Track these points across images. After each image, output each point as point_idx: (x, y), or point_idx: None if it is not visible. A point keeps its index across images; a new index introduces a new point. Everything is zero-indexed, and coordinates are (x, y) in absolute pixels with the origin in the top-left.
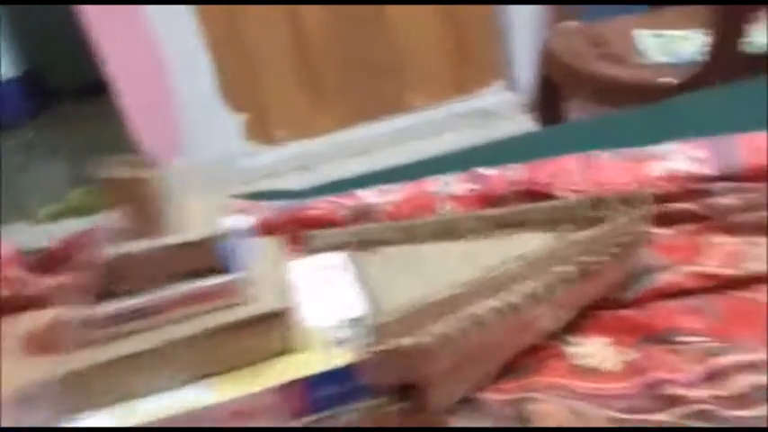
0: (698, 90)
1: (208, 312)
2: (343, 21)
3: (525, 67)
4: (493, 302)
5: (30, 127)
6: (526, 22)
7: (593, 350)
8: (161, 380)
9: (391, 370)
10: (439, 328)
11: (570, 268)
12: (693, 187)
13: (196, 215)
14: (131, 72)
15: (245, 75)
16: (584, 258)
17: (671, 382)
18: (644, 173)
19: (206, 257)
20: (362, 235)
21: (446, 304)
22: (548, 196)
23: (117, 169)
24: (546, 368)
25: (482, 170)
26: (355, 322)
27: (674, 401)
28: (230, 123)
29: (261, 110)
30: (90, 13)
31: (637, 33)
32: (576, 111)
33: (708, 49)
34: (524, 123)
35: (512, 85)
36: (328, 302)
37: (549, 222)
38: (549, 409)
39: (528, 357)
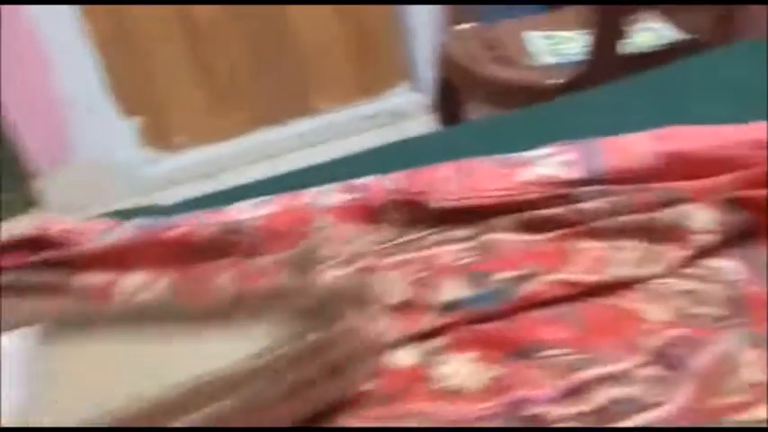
0: (579, 91)
1: None
2: (240, 20)
3: (428, 67)
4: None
5: None
6: (427, 22)
7: (458, 368)
8: None
9: None
10: None
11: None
12: (561, 192)
13: None
14: (12, 73)
15: (138, 77)
16: (278, 379)
17: (533, 401)
18: (516, 179)
19: None
20: (43, 316)
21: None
22: (424, 206)
23: None
24: (408, 394)
25: (360, 180)
26: None
27: (536, 420)
28: (123, 128)
29: (156, 114)
30: None
31: (528, 35)
32: (475, 112)
33: (588, 49)
34: (431, 124)
35: (417, 86)
36: None
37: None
38: None
39: (389, 383)
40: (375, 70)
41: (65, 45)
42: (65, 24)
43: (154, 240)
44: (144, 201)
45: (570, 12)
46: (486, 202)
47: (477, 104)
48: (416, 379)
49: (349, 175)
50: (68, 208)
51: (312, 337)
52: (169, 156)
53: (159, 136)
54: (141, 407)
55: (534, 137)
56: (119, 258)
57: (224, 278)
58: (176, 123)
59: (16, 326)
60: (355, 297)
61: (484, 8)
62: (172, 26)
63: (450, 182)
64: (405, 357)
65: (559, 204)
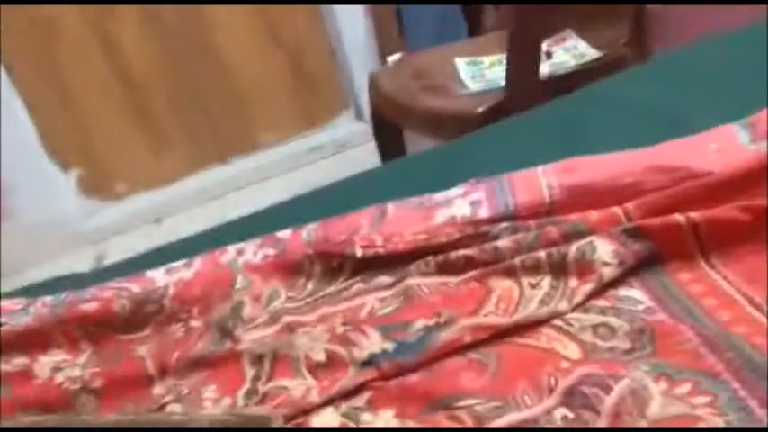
0: (502, 117)
1: None
2: (174, 60)
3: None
4: None
5: None
6: (361, 50)
7: (385, 424)
8: None
9: None
10: None
11: None
12: (474, 232)
13: None
14: None
15: (73, 128)
16: None
17: None
18: (431, 222)
19: None
20: None
21: None
22: (343, 256)
23: None
24: None
25: (279, 233)
26: None
27: None
28: (62, 181)
29: (95, 163)
30: None
31: (457, 62)
32: (414, 141)
33: (508, 74)
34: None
35: (359, 114)
36: None
37: None
38: None
39: None
40: (315, 101)
41: None
42: None
43: (70, 316)
44: (90, 252)
45: (495, 36)
46: (405, 247)
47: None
48: None
49: (271, 227)
50: (12, 267)
51: None
52: (112, 204)
53: (100, 185)
54: None
55: (452, 174)
56: (35, 338)
57: (143, 349)
58: (117, 171)
59: None
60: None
61: (412, 36)
62: (103, 74)
63: (366, 228)
64: (328, 418)
65: (473, 244)
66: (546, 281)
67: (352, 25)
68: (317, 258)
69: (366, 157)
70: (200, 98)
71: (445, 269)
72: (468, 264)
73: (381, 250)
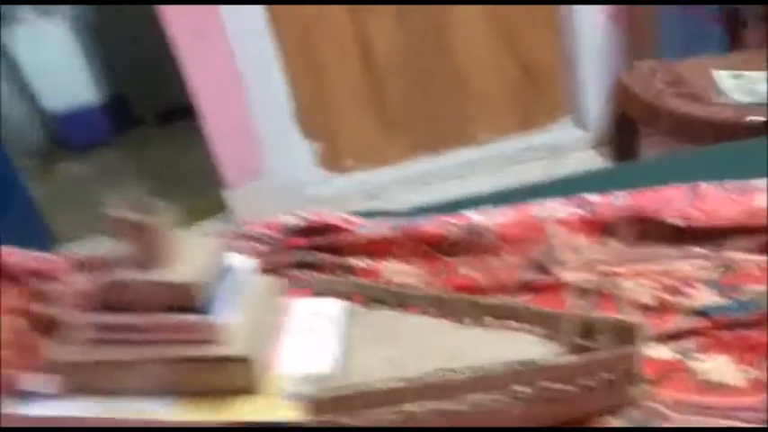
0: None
1: (182, 344)
2: (412, 48)
3: (594, 102)
4: (433, 405)
5: (114, 147)
6: (596, 56)
7: (717, 366)
8: (133, 386)
9: None
10: (372, 414)
11: (528, 391)
12: None
13: (195, 256)
14: (214, 99)
15: (320, 104)
16: (547, 385)
17: None
18: (752, 205)
19: (186, 296)
20: (364, 289)
21: (386, 395)
22: (658, 223)
23: (127, 211)
24: (669, 381)
25: (587, 196)
26: (312, 380)
27: None
28: (305, 151)
29: (332, 138)
30: (177, 41)
31: (716, 74)
32: (651, 147)
33: None
34: (591, 160)
35: (580, 121)
36: (302, 351)
37: (539, 325)
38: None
39: (650, 370)
40: (537, 103)
41: (261, 76)
42: (262, 54)
43: (408, 235)
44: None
45: (754, 53)
46: (723, 223)
47: (654, 139)
48: (675, 369)
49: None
50: (250, 216)
51: (597, 354)
52: (339, 176)
53: (332, 159)
54: (412, 383)
55: (747, 170)
56: (379, 248)
57: (464, 270)
58: (348, 147)
59: (332, 295)
60: (628, 329)
61: (661, 46)
62: (352, 61)
63: (679, 202)
64: (661, 351)
65: None
66: None
67: (591, 34)
68: (630, 222)
69: (579, 164)
70: (430, 91)
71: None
72: None
73: (698, 222)
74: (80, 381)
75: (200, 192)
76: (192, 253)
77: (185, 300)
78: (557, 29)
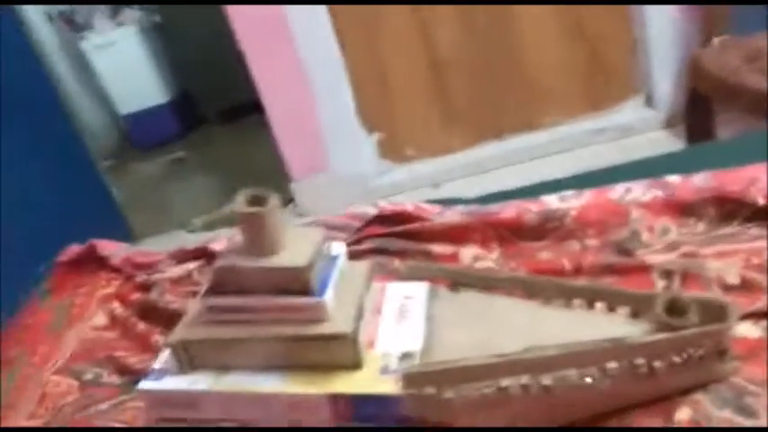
0: None
1: (291, 323)
2: (475, 41)
3: (665, 81)
4: (524, 380)
5: (182, 145)
6: (665, 35)
7: None
8: (245, 362)
9: (417, 412)
10: (464, 389)
11: (618, 367)
12: None
13: (300, 243)
14: (279, 94)
15: (382, 96)
16: (638, 362)
17: None
18: None
19: (297, 280)
20: (451, 274)
21: (479, 370)
22: (742, 203)
23: (241, 203)
24: (759, 359)
25: (668, 178)
26: (406, 357)
27: None
28: (366, 143)
29: (393, 130)
30: (245, 41)
31: None
32: (726, 125)
33: None
34: (663, 140)
35: (649, 101)
36: (394, 331)
37: (627, 306)
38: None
39: (738, 348)
40: (605, 85)
41: (325, 74)
42: (325, 50)
43: (485, 221)
44: None
45: None
46: None
47: (730, 117)
48: (763, 348)
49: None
50: (315, 208)
51: (687, 331)
52: (401, 166)
53: (394, 149)
54: (504, 359)
55: None
56: (457, 233)
57: (544, 254)
58: (409, 138)
59: (419, 278)
60: (718, 307)
61: (735, 21)
62: (414, 54)
63: (763, 181)
64: (748, 330)
65: None
66: None
67: (661, 12)
68: (712, 203)
69: (649, 144)
70: (493, 80)
71: None
72: None
73: None
74: (198, 358)
75: (267, 186)
76: (297, 241)
77: (295, 283)
78: (625, 10)
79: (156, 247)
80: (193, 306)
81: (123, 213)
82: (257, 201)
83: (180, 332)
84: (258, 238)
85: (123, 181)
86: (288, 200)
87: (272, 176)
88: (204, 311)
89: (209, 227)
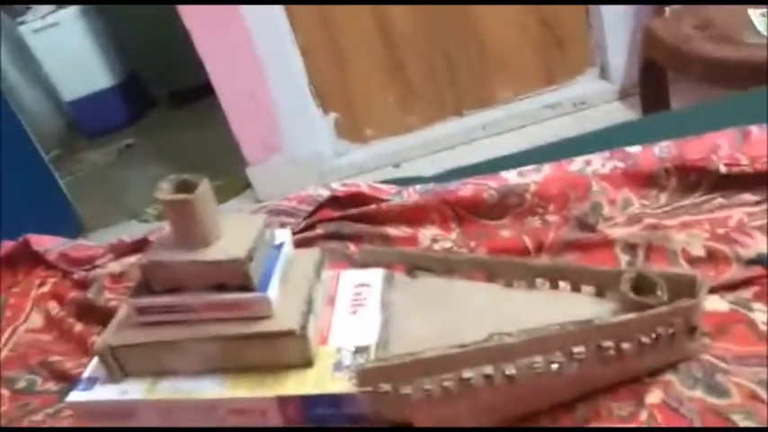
0: None
1: (231, 321)
2: (429, 16)
3: (619, 53)
4: (487, 370)
5: (132, 131)
6: (618, 6)
7: None
8: (182, 366)
9: (374, 410)
10: (424, 383)
11: (585, 350)
12: None
13: (238, 233)
14: (230, 76)
15: (335, 76)
16: (606, 344)
17: None
18: None
19: (235, 273)
20: (409, 258)
21: (439, 362)
22: (705, 171)
23: (167, 190)
24: (728, 335)
25: (628, 149)
26: (360, 351)
27: None
28: (322, 123)
29: (350, 109)
30: (190, 20)
31: (751, 13)
32: (680, 95)
33: None
34: (619, 112)
35: (604, 73)
36: (348, 323)
37: (591, 284)
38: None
39: (708, 323)
40: (559, 58)
41: (276, 53)
42: (276, 28)
43: (443, 200)
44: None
45: None
46: None
47: (684, 86)
48: (733, 321)
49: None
50: (273, 192)
51: (656, 309)
52: (360, 147)
53: (352, 129)
54: (463, 349)
55: None
56: (414, 214)
57: (506, 233)
58: (367, 117)
59: (374, 264)
60: (687, 282)
61: None
62: (368, 26)
63: (725, 149)
64: (716, 304)
65: None
66: None
67: None
68: (674, 173)
69: (605, 116)
70: (449, 56)
71: None
72: None
73: (748, 169)
74: (130, 365)
75: (222, 171)
76: (234, 230)
77: (233, 277)
78: None
79: (108, 238)
80: (122, 308)
81: (72, 205)
82: (186, 186)
83: (107, 337)
84: (189, 228)
85: (71, 171)
86: (245, 185)
87: (227, 162)
88: (134, 313)
89: (163, 216)
